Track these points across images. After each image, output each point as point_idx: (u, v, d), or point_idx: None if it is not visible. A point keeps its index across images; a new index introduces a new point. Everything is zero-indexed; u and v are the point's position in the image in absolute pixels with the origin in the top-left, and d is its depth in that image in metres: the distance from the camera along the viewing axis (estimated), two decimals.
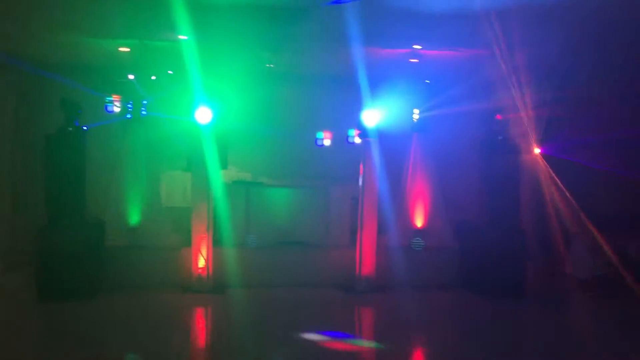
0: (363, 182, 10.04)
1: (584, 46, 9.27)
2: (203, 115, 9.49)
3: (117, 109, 10.68)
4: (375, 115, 9.94)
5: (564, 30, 8.46)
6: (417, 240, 10.06)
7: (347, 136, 12.10)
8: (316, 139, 12.35)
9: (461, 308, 9.30)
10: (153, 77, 10.12)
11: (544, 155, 10.03)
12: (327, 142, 12.43)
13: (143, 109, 10.05)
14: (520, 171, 9.74)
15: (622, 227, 9.32)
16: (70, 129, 9.01)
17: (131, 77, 10.14)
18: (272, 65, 11.76)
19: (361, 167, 10.08)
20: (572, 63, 10.18)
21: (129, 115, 10.03)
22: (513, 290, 9.34)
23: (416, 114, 10.62)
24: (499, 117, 9.62)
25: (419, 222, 10.61)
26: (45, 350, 7.08)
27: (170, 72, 10.48)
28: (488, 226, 9.60)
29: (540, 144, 10.03)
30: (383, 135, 10.07)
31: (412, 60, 10.94)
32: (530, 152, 10.00)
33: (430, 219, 10.59)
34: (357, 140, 11.55)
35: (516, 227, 9.62)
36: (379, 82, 10.47)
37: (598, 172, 10.66)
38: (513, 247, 9.42)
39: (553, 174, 10.12)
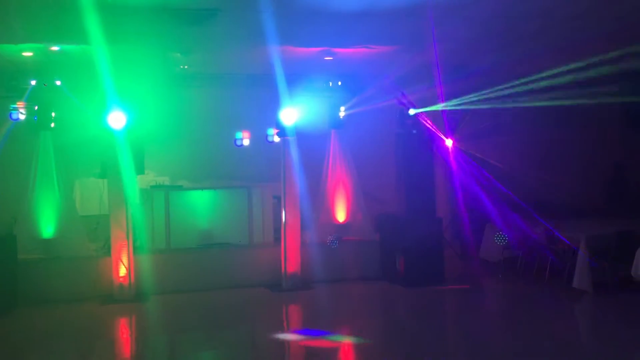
0: (284, 180, 10.12)
1: (489, 41, 9.76)
2: (116, 120, 9.24)
3: (22, 117, 10.19)
4: (292, 113, 10.04)
5: (472, 26, 8.87)
6: (334, 237, 10.23)
7: (267, 135, 12.13)
8: (235, 139, 12.29)
9: (384, 298, 9.60)
10: (58, 82, 9.72)
11: (456, 147, 10.50)
12: (246, 142, 12.40)
13: (51, 115, 9.67)
14: (434, 163, 10.14)
15: (527, 213, 9.93)
16: None
17: (34, 82, 9.72)
18: (186, 67, 11.59)
19: (281, 165, 10.15)
20: (481, 58, 10.69)
21: (35, 123, 9.63)
22: (433, 278, 9.71)
23: (337, 112, 10.77)
24: (412, 111, 9.94)
25: (340, 217, 10.83)
26: None
27: (77, 79, 10.09)
28: (406, 217, 9.93)
29: (452, 137, 10.49)
30: (301, 134, 10.19)
31: (327, 58, 11.11)
32: (443, 144, 10.43)
33: (351, 214, 10.82)
34: (277, 139, 11.61)
35: (433, 216, 10.02)
36: (295, 80, 10.58)
37: (506, 163, 11.33)
38: (431, 236, 9.79)
39: (465, 165, 10.63)
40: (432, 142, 10.21)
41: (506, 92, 9.95)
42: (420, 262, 9.66)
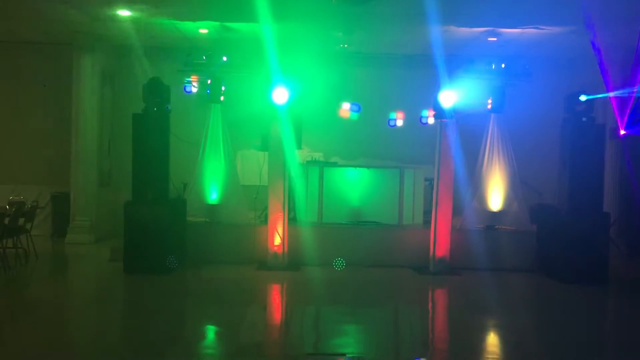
0: (438, 163, 9.94)
1: None
2: (280, 96, 9.63)
3: (195, 90, 10.99)
4: (451, 95, 9.79)
5: None
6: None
7: (421, 117, 12.00)
8: (389, 120, 12.30)
9: (539, 293, 9.12)
10: (224, 58, 10.28)
11: (630, 137, 9.64)
12: (399, 123, 12.36)
13: (221, 89, 10.30)
14: (604, 154, 9.37)
15: None
16: (155, 109, 9.33)
17: (207, 58, 10.37)
18: (345, 46, 11.78)
19: (437, 148, 9.98)
20: None
21: (208, 96, 10.32)
22: (595, 276, 9.05)
23: (498, 95, 10.31)
24: (583, 97, 9.24)
25: (495, 205, 10.43)
26: (151, 313, 7.47)
27: (245, 56, 10.62)
28: (568, 209, 9.31)
29: (626, 126, 9.63)
30: (460, 116, 9.93)
31: (490, 39, 10.71)
32: (616, 134, 9.62)
33: (506, 202, 10.38)
34: (431, 121, 11.42)
35: (599, 211, 9.30)
36: (455, 61, 10.29)
37: None
38: (595, 231, 9.11)
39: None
40: (604, 130, 9.42)
41: None
42: (582, 259, 9.03)
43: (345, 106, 12.19)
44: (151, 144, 9.20)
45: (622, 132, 9.58)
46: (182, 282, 9.09)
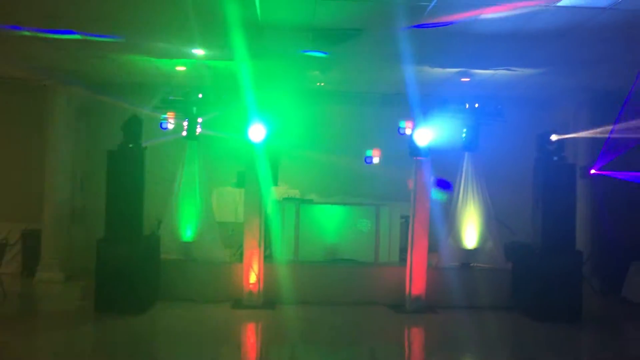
0: (414, 200, 10.02)
1: None
2: (256, 132, 9.67)
3: (171, 126, 10.95)
4: (426, 134, 9.93)
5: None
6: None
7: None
8: (365, 157, 12.38)
9: (514, 331, 9.13)
10: (200, 95, 10.29)
11: (600, 176, 9.84)
12: (376, 160, 12.44)
13: (198, 126, 10.29)
14: (575, 192, 9.55)
15: None
16: (131, 145, 9.27)
17: (185, 95, 10.38)
18: (322, 84, 11.92)
19: (412, 185, 10.06)
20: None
21: (184, 133, 10.29)
22: (568, 314, 9.11)
23: (472, 134, 10.47)
24: (554, 137, 9.46)
25: (469, 242, 10.49)
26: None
27: (222, 93, 10.64)
28: (542, 247, 9.42)
29: (598, 165, 9.85)
30: (434, 154, 10.06)
31: (463, 79, 10.93)
32: (587, 173, 9.82)
33: (481, 240, 10.46)
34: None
35: (571, 249, 9.42)
36: (429, 100, 10.48)
37: None
38: (568, 269, 9.21)
39: (610, 196, 9.92)
40: (575, 169, 9.61)
41: None
42: (556, 297, 9.10)
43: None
44: (126, 180, 9.12)
45: (593, 171, 9.78)
46: (154, 321, 8.90)
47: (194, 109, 10.24)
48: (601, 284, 11.10)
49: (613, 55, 8.61)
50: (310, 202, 11.10)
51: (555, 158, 9.52)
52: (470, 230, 10.47)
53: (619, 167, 10.35)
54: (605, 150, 9.99)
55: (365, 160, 12.44)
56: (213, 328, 8.62)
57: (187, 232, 10.14)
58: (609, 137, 10.04)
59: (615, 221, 10.08)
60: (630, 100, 9.64)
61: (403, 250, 10.50)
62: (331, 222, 10.62)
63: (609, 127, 9.80)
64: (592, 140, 10.79)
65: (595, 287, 11.06)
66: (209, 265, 10.02)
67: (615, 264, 10.33)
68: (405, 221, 10.68)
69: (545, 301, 9.13)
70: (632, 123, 9.40)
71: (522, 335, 8.87)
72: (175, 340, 8.06)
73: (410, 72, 10.08)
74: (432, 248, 10.33)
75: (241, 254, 9.93)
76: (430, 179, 10.03)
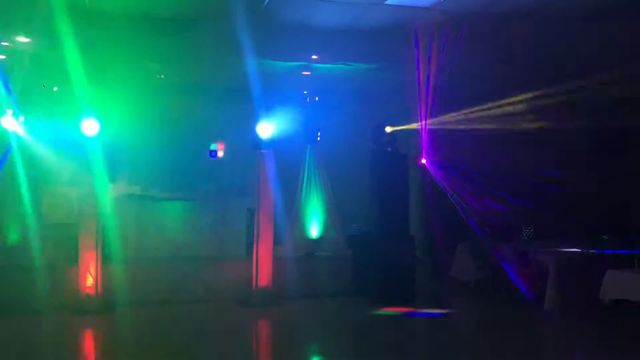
0: (258, 193, 10.04)
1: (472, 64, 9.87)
2: (89, 127, 9.07)
3: None
4: (268, 127, 9.98)
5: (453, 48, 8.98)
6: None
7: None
8: (210, 151, 12.21)
9: (356, 315, 9.53)
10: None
11: (430, 166, 10.59)
12: (220, 154, 12.33)
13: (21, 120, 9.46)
14: (408, 181, 10.18)
15: (497, 234, 10.06)
16: None
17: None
18: (162, 77, 11.50)
19: (256, 178, 10.08)
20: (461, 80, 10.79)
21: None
22: (404, 296, 9.71)
23: (313, 126, 10.76)
24: (388, 129, 10.00)
25: (314, 232, 10.78)
26: None
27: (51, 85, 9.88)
28: (378, 234, 9.93)
29: (429, 155, 10.58)
30: (278, 147, 10.15)
31: (304, 72, 11.16)
32: (418, 162, 10.51)
33: (325, 229, 10.79)
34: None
35: (406, 234, 10.05)
36: (273, 93, 10.55)
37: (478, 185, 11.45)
38: (403, 254, 9.80)
39: (438, 184, 10.72)
40: (407, 159, 10.24)
41: (486, 113, 10.09)
42: (392, 280, 9.65)
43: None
44: None
45: (423, 160, 10.50)
46: None
47: (17, 102, 9.39)
48: (433, 265, 11.99)
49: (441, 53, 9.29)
50: (152, 198, 10.71)
51: (389, 149, 10.07)
52: (314, 221, 10.76)
53: (445, 157, 11.22)
54: (431, 140, 10.76)
55: (209, 154, 12.31)
56: (46, 339, 7.90)
57: (12, 236, 9.29)
58: (437, 129, 10.83)
59: (442, 206, 10.91)
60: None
61: (250, 245, 10.51)
62: (174, 218, 10.36)
63: (437, 119, 10.56)
64: (422, 132, 11.55)
65: (429, 268, 11.92)
66: (39, 270, 9.26)
67: (444, 247, 11.20)
68: (251, 214, 10.70)
69: (383, 285, 9.65)
70: (453, 115, 10.22)
71: (360, 319, 9.24)
72: (7, 356, 7.30)
73: (252, 65, 10.06)
74: (279, 240, 10.45)
75: (76, 257, 9.28)
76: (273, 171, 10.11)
